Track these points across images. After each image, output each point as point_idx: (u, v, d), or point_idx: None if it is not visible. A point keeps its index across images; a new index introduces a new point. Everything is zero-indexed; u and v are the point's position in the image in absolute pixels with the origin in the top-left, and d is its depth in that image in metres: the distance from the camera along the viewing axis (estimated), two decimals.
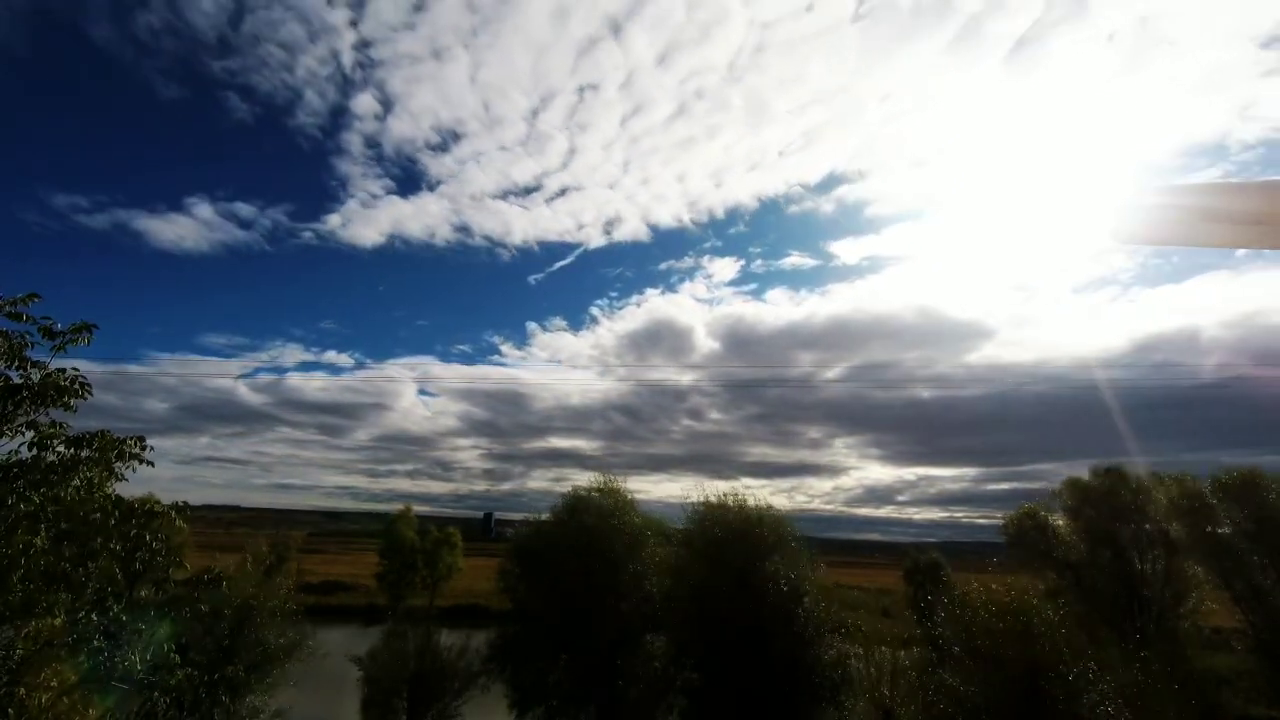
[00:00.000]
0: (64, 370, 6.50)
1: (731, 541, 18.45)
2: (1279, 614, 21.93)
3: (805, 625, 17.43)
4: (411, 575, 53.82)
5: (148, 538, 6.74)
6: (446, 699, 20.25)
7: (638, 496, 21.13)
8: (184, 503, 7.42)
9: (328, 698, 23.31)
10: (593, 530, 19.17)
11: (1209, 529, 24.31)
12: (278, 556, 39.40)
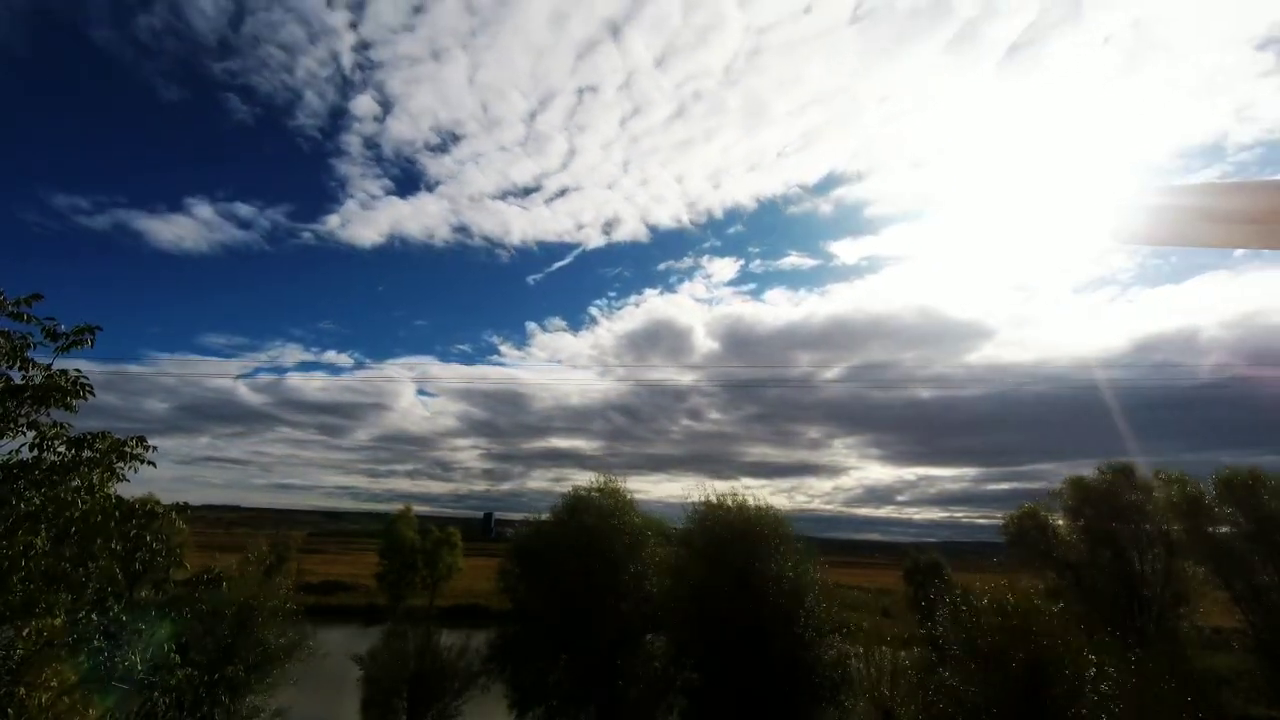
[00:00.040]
0: (65, 371, 6.51)
1: (732, 541, 18.45)
2: (1279, 614, 21.92)
3: (806, 625, 17.43)
4: (411, 575, 53.82)
5: (148, 538, 6.75)
6: (446, 699, 20.25)
7: (637, 496, 21.16)
8: (184, 503, 7.42)
9: (328, 698, 23.32)
10: (593, 530, 19.17)
11: (1209, 529, 24.32)
12: (278, 556, 39.42)
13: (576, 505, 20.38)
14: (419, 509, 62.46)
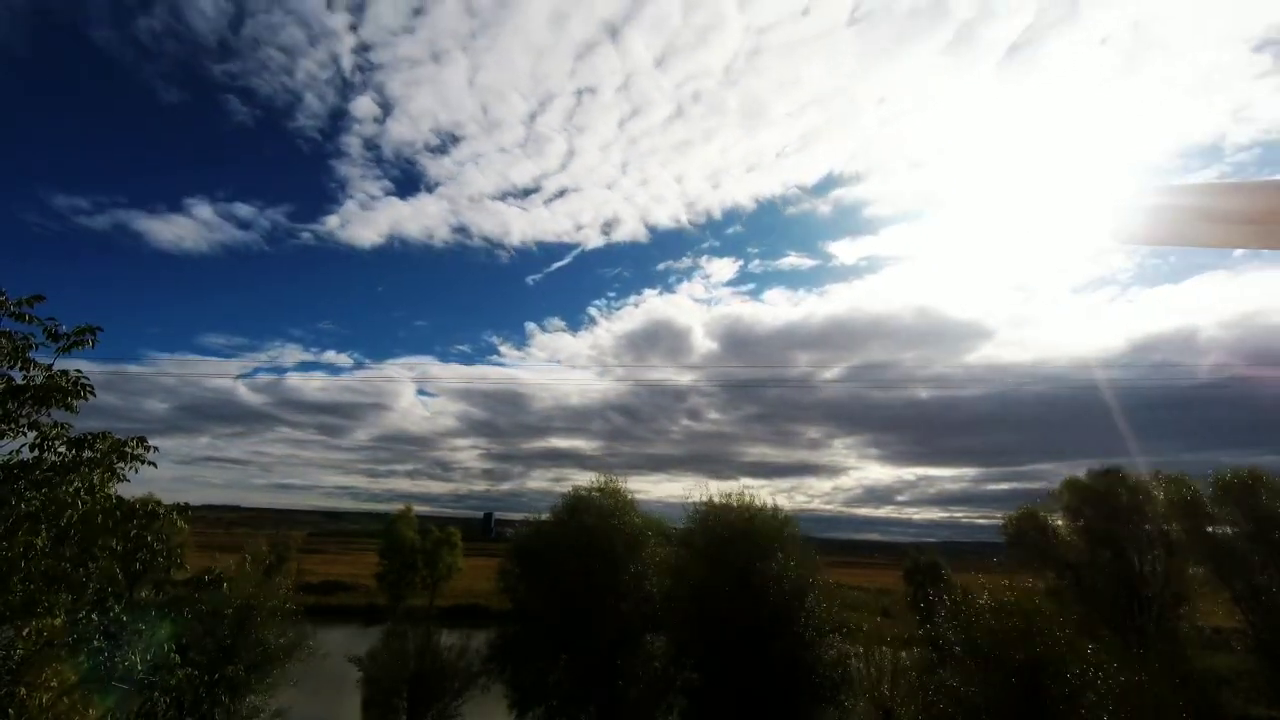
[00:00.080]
0: (66, 371, 6.52)
1: (732, 541, 18.45)
2: (1279, 614, 21.93)
3: (806, 625, 17.43)
4: (411, 575, 53.83)
5: (148, 538, 6.76)
6: (446, 699, 20.25)
7: (637, 497, 21.16)
8: (185, 504, 7.43)
9: (328, 698, 23.32)
10: (593, 530, 19.17)
11: (1208, 529, 24.33)
12: (278, 556, 39.41)
13: (576, 505, 20.38)
14: (419, 509, 62.55)
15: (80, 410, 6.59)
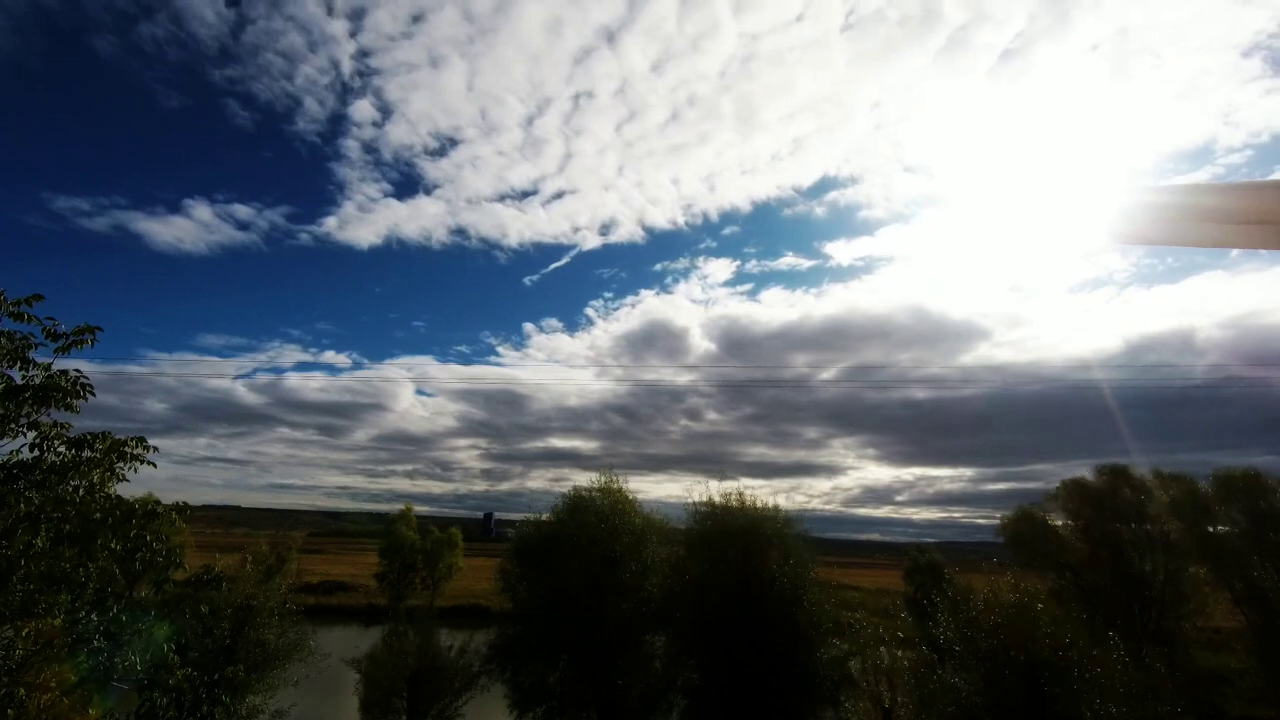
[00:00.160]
0: (66, 371, 6.52)
1: (732, 541, 18.45)
2: (1279, 614, 21.93)
3: (805, 625, 17.43)
4: (411, 575, 53.82)
5: (148, 538, 6.76)
6: (446, 699, 20.24)
7: (637, 496, 21.16)
8: (184, 503, 7.43)
9: (328, 697, 23.32)
10: (593, 530, 19.17)
11: (1209, 529, 24.34)
12: (278, 557, 39.36)
13: (576, 505, 20.37)
14: (419, 509, 62.51)
15: (80, 410, 6.59)
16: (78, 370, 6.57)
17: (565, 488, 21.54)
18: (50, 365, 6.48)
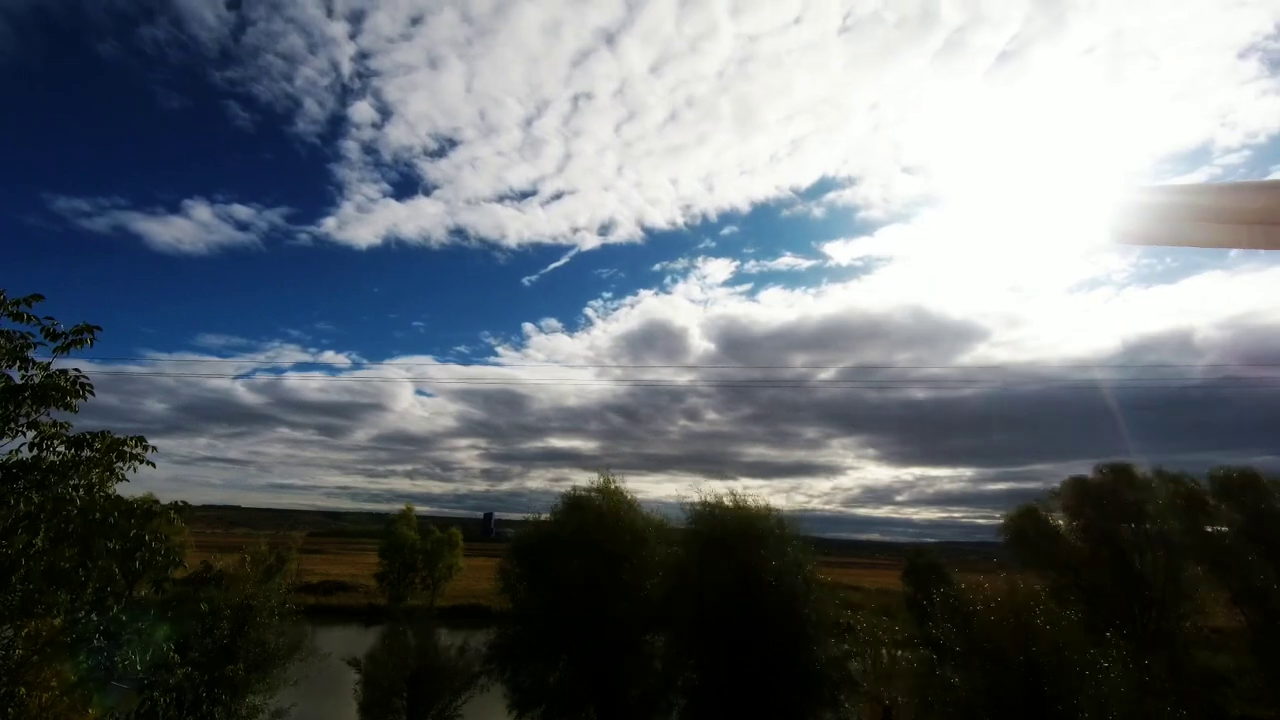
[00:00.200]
0: (65, 371, 6.52)
1: (732, 541, 18.44)
2: (1278, 614, 21.94)
3: (805, 625, 17.42)
4: (411, 575, 53.81)
5: (147, 537, 6.76)
6: (446, 699, 20.25)
7: (637, 496, 21.15)
8: (183, 501, 7.43)
9: (328, 698, 23.32)
10: (593, 530, 19.16)
11: (1208, 529, 24.35)
12: (278, 557, 39.37)
13: (576, 505, 20.37)
14: (419, 509, 62.49)
15: (79, 410, 6.59)
16: (77, 370, 6.57)
17: (565, 488, 21.55)
18: (49, 365, 6.49)
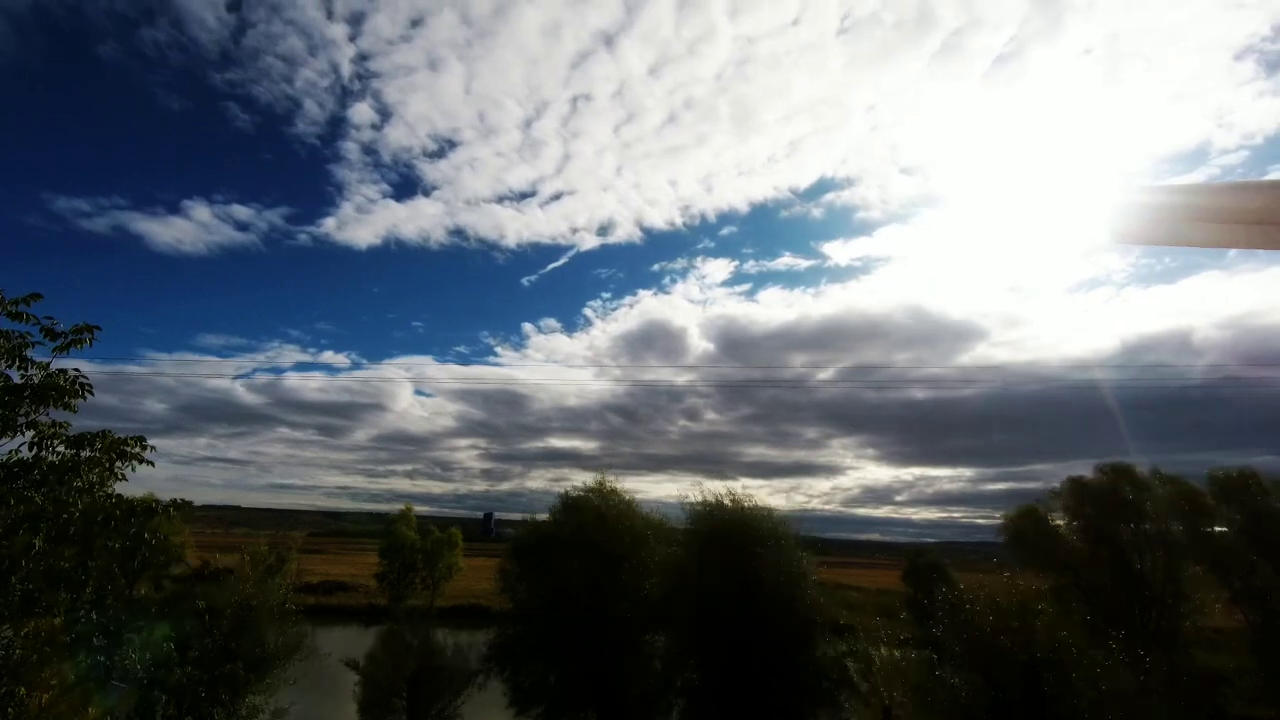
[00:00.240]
0: (65, 371, 6.52)
1: (731, 541, 18.43)
2: (1277, 614, 21.94)
3: (805, 625, 17.43)
4: (411, 575, 53.78)
5: (147, 536, 6.76)
6: (446, 699, 20.24)
7: (636, 496, 21.15)
8: (182, 499, 7.43)
9: (328, 698, 23.33)
10: (592, 530, 19.16)
11: (1206, 528, 24.33)
12: (278, 557, 39.39)
13: (575, 505, 20.37)
14: (419, 509, 62.51)
15: (79, 410, 6.59)
16: (76, 370, 6.57)
17: (565, 487, 21.56)
18: (49, 365, 6.48)
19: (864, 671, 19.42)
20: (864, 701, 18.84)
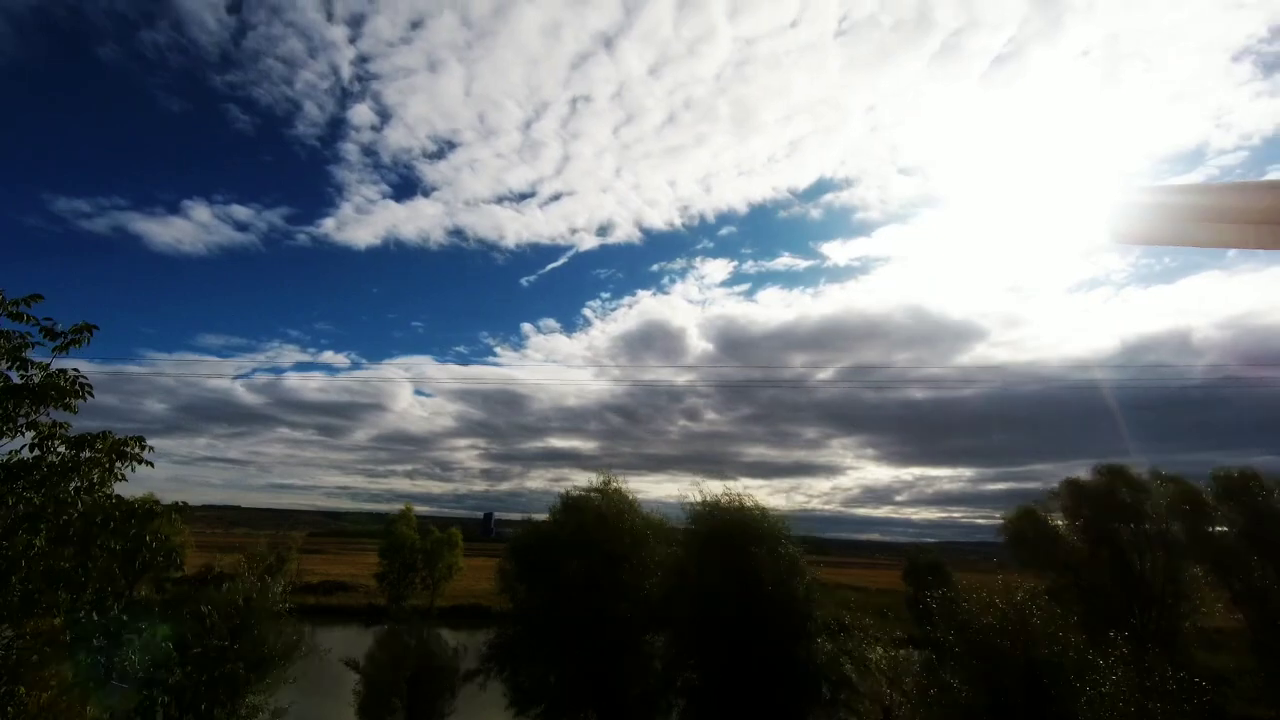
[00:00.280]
0: (65, 371, 6.52)
1: (730, 541, 18.43)
2: (1277, 614, 21.92)
3: (804, 625, 17.43)
4: (411, 575, 53.76)
5: (147, 538, 6.76)
6: (445, 698, 20.24)
7: (636, 496, 21.14)
8: (183, 502, 7.44)
9: (328, 698, 23.32)
10: (592, 530, 19.16)
11: (1207, 529, 24.31)
12: (278, 557, 39.37)
13: (575, 505, 20.37)
14: (419, 509, 62.50)
15: (79, 410, 6.59)
16: (76, 370, 6.57)
17: (565, 487, 21.57)
18: (49, 365, 6.48)
19: (864, 671, 19.40)
20: (864, 701, 18.83)
